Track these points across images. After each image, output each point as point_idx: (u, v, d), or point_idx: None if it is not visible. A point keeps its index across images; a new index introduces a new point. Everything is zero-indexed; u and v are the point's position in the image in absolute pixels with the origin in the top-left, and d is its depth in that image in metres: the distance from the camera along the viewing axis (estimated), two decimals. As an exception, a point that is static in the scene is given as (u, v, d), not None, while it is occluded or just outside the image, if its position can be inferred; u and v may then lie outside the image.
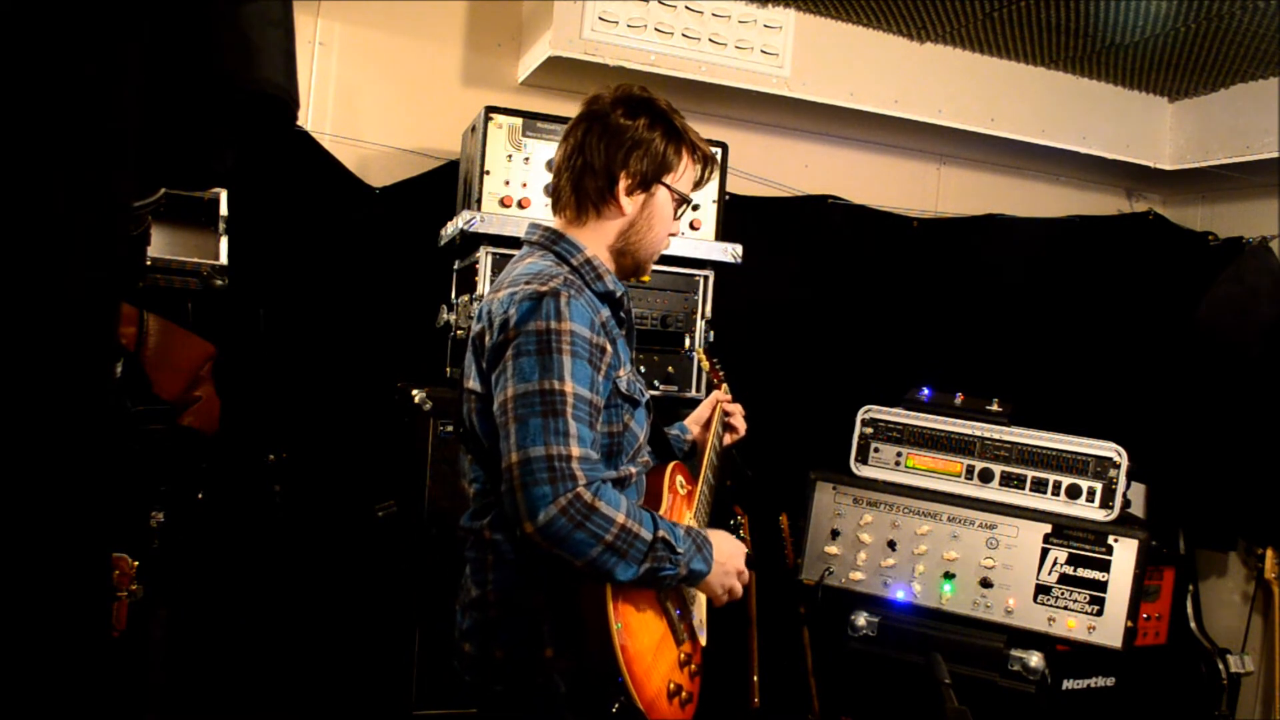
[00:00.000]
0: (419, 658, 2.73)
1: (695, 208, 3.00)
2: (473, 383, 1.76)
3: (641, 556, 1.61)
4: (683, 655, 1.79)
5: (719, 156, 2.97)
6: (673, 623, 1.78)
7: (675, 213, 1.89)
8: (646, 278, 2.04)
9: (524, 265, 1.78)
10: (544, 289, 1.66)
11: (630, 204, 1.82)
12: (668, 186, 1.85)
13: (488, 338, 1.70)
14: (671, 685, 1.72)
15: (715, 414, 2.21)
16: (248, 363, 2.99)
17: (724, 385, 2.32)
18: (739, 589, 1.83)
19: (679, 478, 1.97)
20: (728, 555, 1.80)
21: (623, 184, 1.80)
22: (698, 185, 1.95)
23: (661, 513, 1.82)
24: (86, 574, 1.13)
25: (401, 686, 2.74)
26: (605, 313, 1.76)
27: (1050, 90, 3.84)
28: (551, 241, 1.82)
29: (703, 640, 1.89)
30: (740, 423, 2.27)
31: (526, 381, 1.60)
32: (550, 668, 1.68)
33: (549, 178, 2.88)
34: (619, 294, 1.84)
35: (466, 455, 1.84)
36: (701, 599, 1.92)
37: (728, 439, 2.27)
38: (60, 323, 1.07)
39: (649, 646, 1.69)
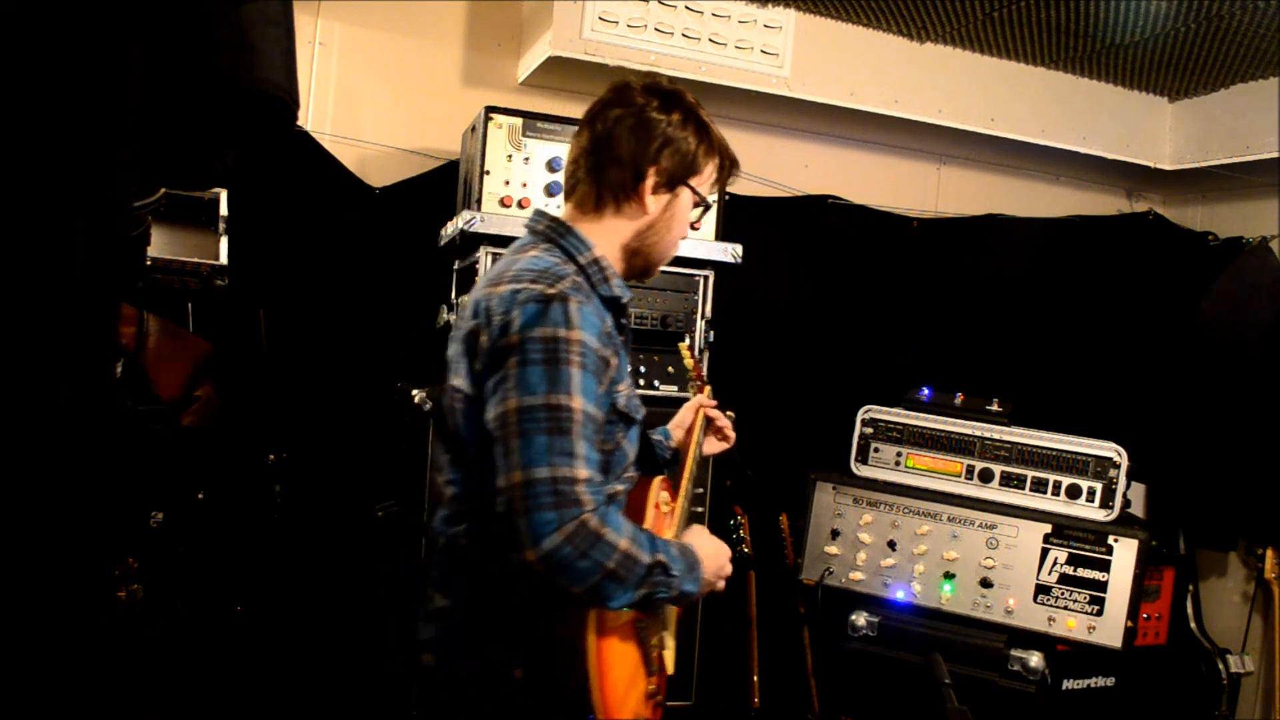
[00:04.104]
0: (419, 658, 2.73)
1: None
2: (460, 381, 1.63)
3: (638, 582, 1.51)
4: (650, 687, 1.69)
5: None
6: (647, 654, 1.70)
7: (693, 216, 1.81)
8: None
9: (527, 258, 1.65)
10: (552, 291, 1.54)
11: (654, 203, 1.72)
12: (692, 189, 1.75)
13: (483, 337, 1.57)
14: None
15: (698, 420, 2.09)
16: (248, 363, 2.98)
17: (708, 388, 2.20)
18: (722, 587, 1.75)
19: (663, 493, 1.85)
20: (715, 565, 1.70)
21: (650, 180, 1.71)
22: (715, 189, 1.87)
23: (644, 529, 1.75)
24: (86, 574, 1.13)
25: (401, 686, 2.74)
26: (609, 321, 1.66)
27: (1050, 90, 3.84)
28: (559, 234, 1.70)
29: (670, 670, 1.82)
30: (730, 431, 2.16)
31: (532, 394, 1.49)
32: (519, 690, 1.58)
33: (549, 178, 2.89)
34: (624, 300, 1.74)
35: (445, 454, 1.71)
36: (672, 630, 1.85)
37: (720, 447, 2.17)
38: (60, 323, 1.07)
39: (623, 678, 1.59)
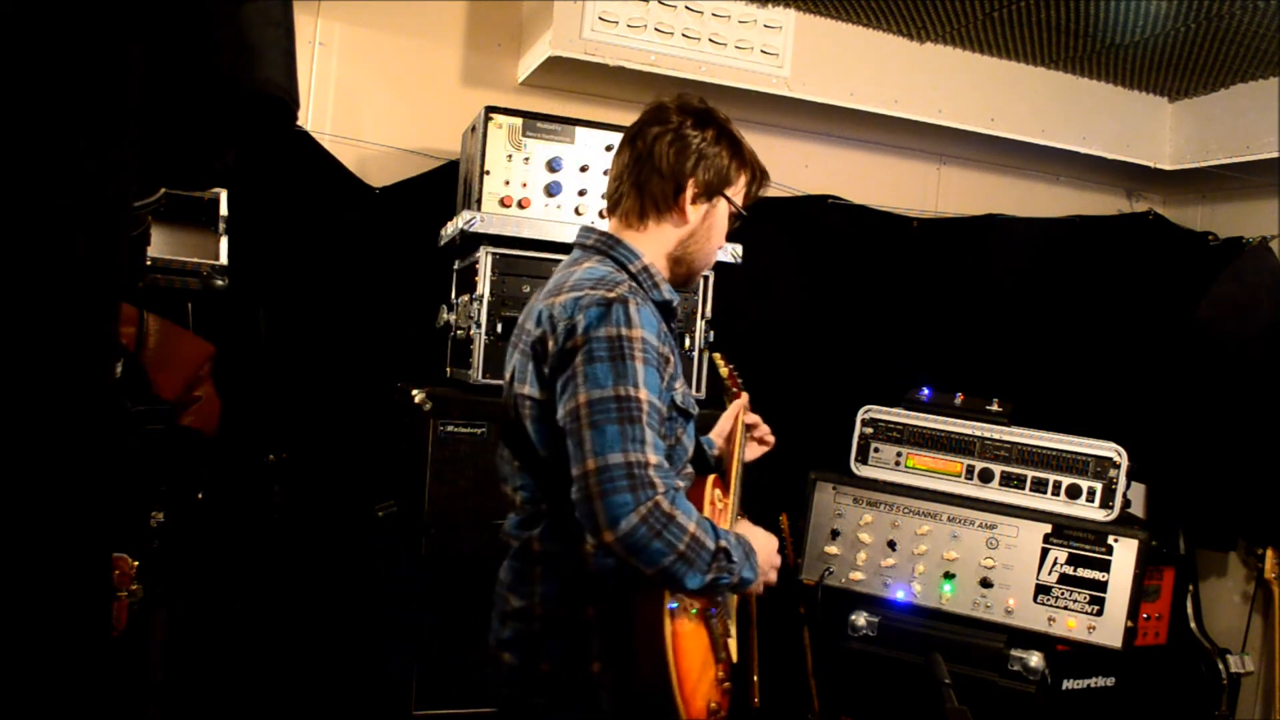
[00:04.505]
0: (419, 658, 2.73)
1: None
2: (528, 388, 1.72)
3: (707, 566, 1.60)
4: (720, 673, 1.78)
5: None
6: (715, 642, 1.76)
7: (729, 225, 1.93)
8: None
9: (583, 270, 1.76)
10: (611, 295, 1.66)
11: (694, 212, 1.84)
12: (728, 199, 1.88)
13: (550, 343, 1.68)
14: (712, 704, 1.71)
15: (738, 426, 2.19)
16: (248, 363, 2.98)
17: (743, 394, 2.28)
18: (775, 579, 1.86)
19: (717, 491, 1.95)
20: (766, 555, 1.81)
21: (689, 192, 1.82)
22: (748, 199, 1.98)
23: None
24: (86, 574, 1.13)
25: (401, 686, 2.74)
26: (662, 323, 1.77)
27: (1050, 90, 3.84)
28: (609, 246, 1.82)
29: (734, 658, 1.88)
30: (770, 436, 2.26)
31: (600, 388, 1.59)
32: (597, 683, 1.68)
33: (549, 178, 2.89)
34: (674, 303, 1.86)
35: (511, 461, 1.79)
36: (734, 618, 1.92)
37: (759, 451, 2.26)
38: (60, 323, 1.07)
39: (696, 666, 1.68)
